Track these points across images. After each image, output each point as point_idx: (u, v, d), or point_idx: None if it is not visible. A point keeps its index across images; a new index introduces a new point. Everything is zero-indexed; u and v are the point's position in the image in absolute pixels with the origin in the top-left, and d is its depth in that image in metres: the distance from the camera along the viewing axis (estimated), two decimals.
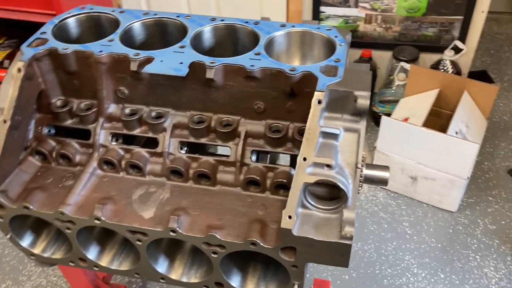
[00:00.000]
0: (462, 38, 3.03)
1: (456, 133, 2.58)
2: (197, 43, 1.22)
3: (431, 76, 2.84)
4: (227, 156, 1.18)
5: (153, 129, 1.20)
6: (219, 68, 1.10)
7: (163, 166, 1.20)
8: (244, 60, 1.11)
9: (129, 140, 1.27)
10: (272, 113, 1.16)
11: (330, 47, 1.19)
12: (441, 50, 3.10)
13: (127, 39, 1.23)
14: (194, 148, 1.26)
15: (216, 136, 1.18)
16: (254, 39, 1.21)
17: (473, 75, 3.39)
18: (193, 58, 1.12)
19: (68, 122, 1.26)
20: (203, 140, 1.19)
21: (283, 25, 1.23)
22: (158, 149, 1.20)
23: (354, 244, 2.62)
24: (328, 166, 1.00)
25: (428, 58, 3.19)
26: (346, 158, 1.04)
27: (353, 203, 1.02)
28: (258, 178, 1.13)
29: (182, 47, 1.17)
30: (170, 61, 1.11)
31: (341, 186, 0.99)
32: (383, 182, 1.30)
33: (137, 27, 1.26)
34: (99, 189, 1.19)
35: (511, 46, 4.04)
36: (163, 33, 1.29)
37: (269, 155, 1.25)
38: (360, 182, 1.24)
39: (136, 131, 1.22)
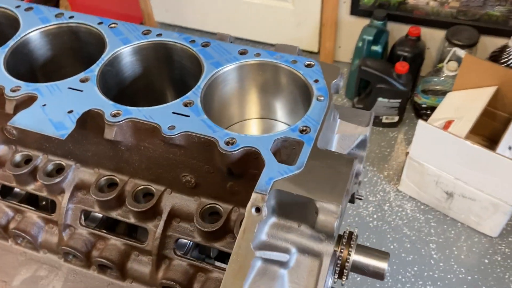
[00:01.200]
0: None
1: (510, 148, 2.09)
2: (113, 71, 0.83)
3: (488, 70, 2.31)
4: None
5: (48, 187, 0.85)
6: (124, 126, 0.72)
7: (59, 241, 0.86)
8: (163, 115, 0.72)
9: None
10: (207, 191, 0.78)
11: (304, 97, 0.78)
12: (507, 34, 2.52)
13: (20, 56, 0.86)
14: None
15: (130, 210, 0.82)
16: (199, 69, 0.81)
17: None
18: (91, 104, 0.74)
19: None
20: (112, 214, 0.83)
21: (242, 52, 0.82)
22: (55, 217, 0.86)
23: None
24: None
25: (490, 42, 2.62)
26: None
27: None
28: (178, 286, 0.77)
29: (84, 80, 0.78)
30: (56, 107, 0.74)
31: None
32: (377, 275, 0.92)
33: (36, 38, 0.88)
34: None
35: None
36: (78, 46, 0.91)
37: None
38: (346, 270, 0.87)
39: (30, 188, 0.88)
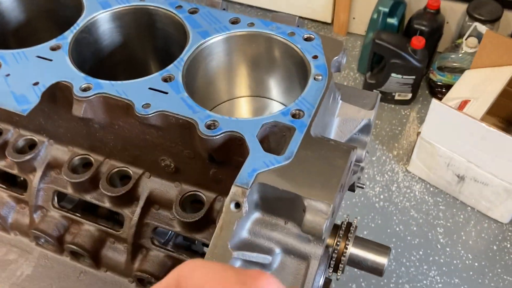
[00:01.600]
0: None
1: None
2: (89, 38, 0.74)
3: (511, 47, 2.18)
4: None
5: (18, 165, 0.78)
6: (94, 101, 0.64)
7: (30, 224, 0.79)
8: (139, 90, 0.64)
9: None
10: (189, 178, 0.71)
11: (301, 74, 0.69)
12: None
13: None
14: None
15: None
16: (185, 38, 0.72)
17: None
18: (60, 76, 0.66)
19: None
20: (87, 197, 0.76)
21: (234, 21, 0.72)
22: (26, 196, 0.79)
23: None
24: None
25: None
26: None
27: None
28: (153, 279, 0.71)
29: (54, 48, 0.70)
30: (21, 78, 0.66)
31: None
32: (376, 271, 0.86)
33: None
34: None
35: None
36: (55, 9, 0.82)
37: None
38: (342, 264, 0.81)
39: (1, 164, 0.80)
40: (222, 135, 0.59)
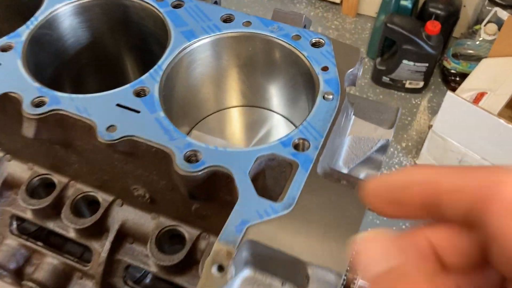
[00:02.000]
0: None
1: None
2: (52, 35, 0.61)
3: None
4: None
5: None
6: (49, 120, 0.51)
7: None
8: (104, 108, 0.51)
9: None
10: (167, 211, 0.58)
11: (307, 87, 0.56)
12: None
13: None
14: None
15: None
16: (165, 36, 0.59)
17: None
18: (8, 85, 0.53)
19: None
20: (49, 225, 0.64)
21: (227, 19, 0.58)
22: None
23: None
24: None
25: None
26: None
27: None
28: None
29: (5, 49, 0.57)
30: None
31: None
32: None
33: None
34: None
35: None
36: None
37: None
38: None
39: None
40: (205, 170, 0.46)
